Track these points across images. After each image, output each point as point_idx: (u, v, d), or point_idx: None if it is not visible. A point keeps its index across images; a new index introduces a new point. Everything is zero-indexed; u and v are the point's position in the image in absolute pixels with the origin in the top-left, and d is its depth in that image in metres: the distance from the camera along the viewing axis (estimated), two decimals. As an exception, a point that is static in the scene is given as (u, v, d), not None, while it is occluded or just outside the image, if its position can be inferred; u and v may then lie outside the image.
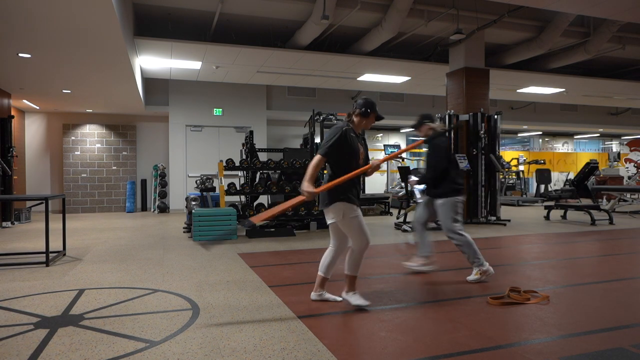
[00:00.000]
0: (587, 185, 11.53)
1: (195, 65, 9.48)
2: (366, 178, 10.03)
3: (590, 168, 11.47)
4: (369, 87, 12.20)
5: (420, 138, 4.37)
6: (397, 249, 5.99)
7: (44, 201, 5.00)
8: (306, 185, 3.09)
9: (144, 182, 12.23)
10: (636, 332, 2.77)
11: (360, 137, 3.39)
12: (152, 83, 11.54)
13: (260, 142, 12.07)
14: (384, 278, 4.26)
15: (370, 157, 3.47)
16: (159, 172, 12.01)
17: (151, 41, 7.89)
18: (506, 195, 14.41)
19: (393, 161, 11.57)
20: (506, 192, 14.65)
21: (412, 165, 15.68)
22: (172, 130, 11.77)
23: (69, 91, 9.12)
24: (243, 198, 8.26)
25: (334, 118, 9.13)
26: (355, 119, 3.32)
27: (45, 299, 3.59)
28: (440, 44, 9.54)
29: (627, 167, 18.77)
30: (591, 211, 8.65)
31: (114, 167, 12.01)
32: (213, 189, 7.84)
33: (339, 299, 3.45)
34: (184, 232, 7.67)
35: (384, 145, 14.57)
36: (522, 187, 15.15)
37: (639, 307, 3.29)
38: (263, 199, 10.62)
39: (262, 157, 12.33)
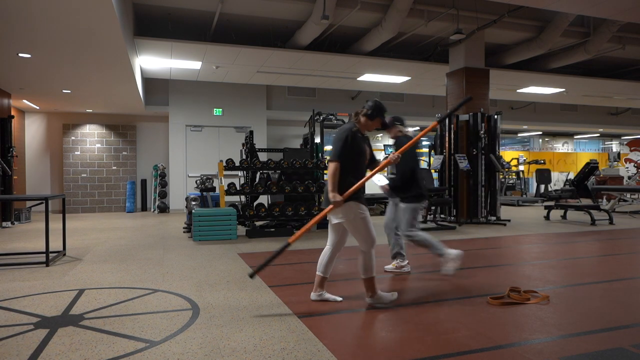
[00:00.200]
0: (587, 185, 11.53)
1: (195, 65, 9.48)
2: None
3: (590, 168, 11.47)
4: (369, 87, 12.20)
5: (434, 121, 4.37)
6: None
7: (44, 201, 5.00)
8: (333, 196, 3.15)
9: (144, 182, 12.23)
10: (636, 332, 2.77)
11: (366, 137, 3.42)
12: (152, 83, 11.54)
13: (260, 142, 12.07)
14: (383, 278, 4.25)
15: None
16: (159, 172, 12.01)
17: (151, 41, 7.89)
18: (506, 195, 14.41)
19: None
20: (506, 192, 14.65)
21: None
22: (172, 130, 11.77)
23: (69, 91, 9.12)
24: (243, 198, 8.26)
25: (334, 118, 9.13)
26: (362, 118, 3.35)
27: (45, 299, 3.59)
28: (440, 44, 9.54)
29: (627, 167, 18.76)
30: (591, 211, 8.65)
31: (114, 167, 12.01)
32: (213, 189, 7.84)
33: (339, 299, 3.45)
34: (184, 232, 7.68)
35: (384, 145, 14.57)
36: (522, 187, 15.15)
37: (639, 307, 3.29)
38: (263, 199, 10.62)
39: (262, 157, 12.34)
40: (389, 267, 4.54)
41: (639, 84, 11.92)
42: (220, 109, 12.11)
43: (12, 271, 4.67)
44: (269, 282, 4.09)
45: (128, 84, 8.52)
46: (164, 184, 11.97)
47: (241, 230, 7.66)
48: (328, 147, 15.37)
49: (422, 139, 4.44)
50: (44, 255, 4.95)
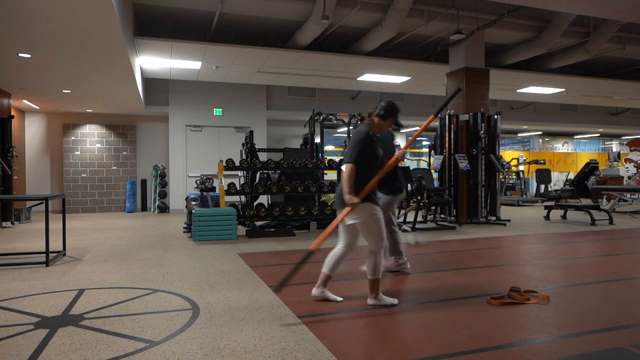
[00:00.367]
0: (587, 185, 11.53)
1: (195, 65, 9.48)
2: None
3: (590, 168, 11.46)
4: (369, 87, 12.20)
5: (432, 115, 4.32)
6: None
7: (44, 201, 5.00)
8: (349, 198, 3.14)
9: (144, 182, 12.24)
10: (636, 332, 2.77)
11: (378, 138, 3.45)
12: (152, 83, 11.55)
13: (260, 142, 12.07)
14: (383, 279, 4.25)
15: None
16: (159, 172, 12.01)
17: (151, 41, 7.89)
18: (506, 195, 14.41)
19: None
20: (506, 192, 14.65)
21: (412, 165, 15.69)
22: (172, 130, 11.77)
23: (69, 91, 9.12)
24: (243, 198, 8.26)
25: (333, 118, 9.13)
26: (375, 119, 3.36)
27: (45, 299, 3.59)
28: (440, 44, 9.54)
29: (627, 167, 18.76)
30: (591, 211, 8.65)
31: (114, 167, 12.01)
32: (213, 189, 7.84)
33: (340, 299, 3.45)
34: (184, 232, 7.68)
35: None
36: (522, 187, 15.15)
37: (639, 307, 3.29)
38: (263, 199, 10.62)
39: (262, 157, 12.34)
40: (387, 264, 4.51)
41: (639, 84, 11.92)
42: (220, 109, 12.12)
43: (12, 271, 4.67)
44: (269, 282, 4.09)
45: (128, 84, 8.52)
46: (164, 184, 11.97)
47: (241, 230, 7.66)
48: (328, 147, 15.39)
49: (420, 138, 4.43)
50: (44, 255, 4.95)
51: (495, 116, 8.81)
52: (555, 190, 11.02)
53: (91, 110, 11.61)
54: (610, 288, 3.83)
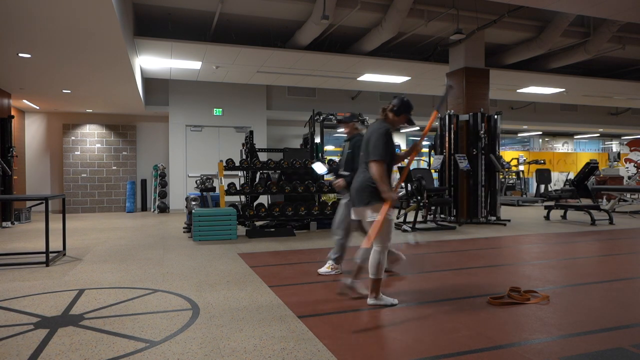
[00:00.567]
0: (587, 185, 11.52)
1: (195, 65, 9.48)
2: None
3: (590, 168, 11.46)
4: (369, 87, 12.20)
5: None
6: (396, 249, 5.98)
7: (44, 201, 5.00)
8: (387, 191, 3.21)
9: (144, 182, 12.24)
10: (636, 332, 2.77)
11: None
12: (152, 83, 11.55)
13: (260, 142, 12.07)
14: (383, 279, 4.24)
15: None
16: (159, 172, 12.01)
17: (151, 41, 7.89)
18: (506, 195, 14.41)
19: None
20: (506, 192, 14.65)
21: (413, 165, 15.69)
22: (172, 130, 11.77)
23: (69, 91, 9.12)
24: (243, 198, 8.26)
25: (333, 118, 9.13)
26: (389, 114, 3.40)
27: (45, 299, 3.59)
28: (440, 44, 9.54)
29: (627, 167, 18.76)
30: (591, 211, 8.65)
31: (114, 167, 12.01)
32: (213, 189, 7.84)
33: (366, 291, 3.45)
34: (184, 232, 7.68)
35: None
36: (522, 187, 15.15)
37: (639, 307, 3.29)
38: (263, 199, 10.62)
39: (262, 157, 12.34)
40: (323, 270, 4.40)
41: (639, 84, 11.92)
42: (220, 109, 12.12)
43: (12, 271, 4.67)
44: (269, 282, 4.09)
45: (128, 84, 8.52)
46: (164, 184, 11.97)
47: (241, 230, 7.66)
48: (328, 147, 15.37)
49: (419, 137, 4.43)
50: (44, 255, 4.95)
51: (495, 116, 8.81)
52: (555, 190, 11.02)
53: (91, 110, 11.61)
54: (610, 288, 3.83)
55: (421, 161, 14.08)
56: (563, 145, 20.34)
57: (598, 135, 20.11)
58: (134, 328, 2.90)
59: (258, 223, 8.10)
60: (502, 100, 14.85)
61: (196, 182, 7.91)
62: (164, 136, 12.39)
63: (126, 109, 11.48)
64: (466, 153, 8.75)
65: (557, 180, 18.24)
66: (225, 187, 7.14)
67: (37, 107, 11.09)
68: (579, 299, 3.49)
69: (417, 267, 4.77)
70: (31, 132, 11.78)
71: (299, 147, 11.77)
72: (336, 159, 8.25)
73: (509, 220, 8.82)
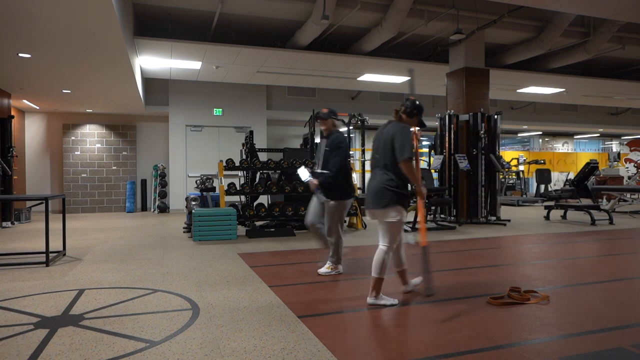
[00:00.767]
0: (587, 185, 11.53)
1: (195, 65, 9.48)
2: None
3: (590, 168, 11.46)
4: (369, 87, 12.20)
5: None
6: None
7: (44, 201, 5.00)
8: (420, 188, 3.40)
9: (144, 182, 12.24)
10: (636, 332, 2.77)
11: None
12: (152, 83, 11.55)
13: (260, 142, 12.08)
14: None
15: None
16: (159, 172, 12.01)
17: (151, 41, 7.89)
18: (506, 195, 14.41)
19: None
20: (506, 192, 14.65)
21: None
22: (172, 130, 11.77)
23: (69, 91, 9.12)
24: (243, 198, 8.26)
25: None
26: (403, 116, 3.45)
27: (45, 299, 3.59)
28: (440, 44, 9.54)
29: (627, 167, 18.77)
30: (591, 211, 8.65)
31: (114, 167, 12.01)
32: (213, 189, 7.84)
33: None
34: (184, 232, 7.68)
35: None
36: (522, 187, 15.15)
37: (639, 307, 3.29)
38: (263, 199, 10.62)
39: (262, 157, 12.34)
40: (323, 270, 4.39)
41: (639, 84, 11.92)
42: (220, 109, 12.12)
43: (12, 271, 4.67)
44: (269, 282, 4.09)
45: (128, 84, 8.52)
46: (164, 184, 11.97)
47: (241, 230, 7.66)
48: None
49: (420, 138, 4.43)
50: (44, 255, 4.95)
51: (495, 116, 8.81)
52: (555, 190, 11.02)
53: (91, 110, 11.61)
54: (610, 288, 3.83)
55: (421, 161, 14.09)
56: (563, 145, 20.34)
57: (598, 135, 20.11)
58: (134, 328, 2.90)
59: (258, 223, 8.10)
60: (502, 100, 14.85)
61: (196, 182, 7.91)
62: (164, 136, 12.39)
63: (126, 109, 11.48)
64: (466, 153, 8.75)
65: (557, 180, 18.24)
66: (225, 187, 7.14)
67: (37, 107, 11.09)
68: (579, 299, 3.49)
69: (417, 267, 4.76)
70: (31, 132, 11.78)
71: (299, 147, 11.78)
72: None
73: (509, 220, 8.82)
